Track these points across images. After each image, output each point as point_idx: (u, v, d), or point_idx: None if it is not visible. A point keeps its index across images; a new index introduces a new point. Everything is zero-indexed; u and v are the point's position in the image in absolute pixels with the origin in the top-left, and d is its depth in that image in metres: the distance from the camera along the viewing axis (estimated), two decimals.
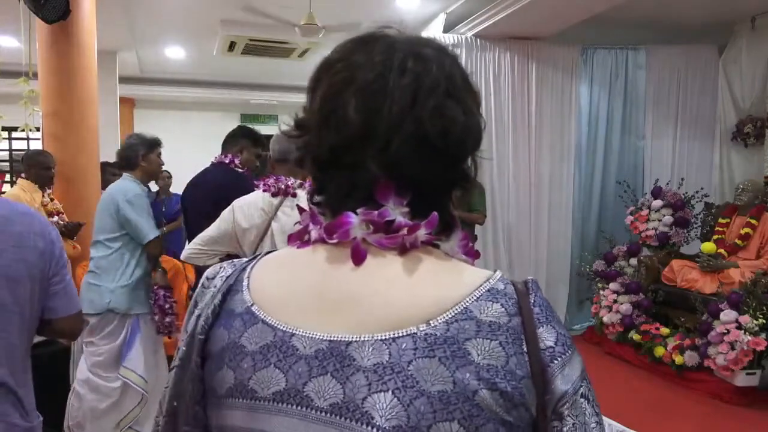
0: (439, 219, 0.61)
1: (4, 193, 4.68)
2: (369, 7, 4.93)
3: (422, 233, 0.60)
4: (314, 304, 0.59)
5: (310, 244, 0.63)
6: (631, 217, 5.02)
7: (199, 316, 0.65)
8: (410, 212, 0.60)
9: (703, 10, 5.05)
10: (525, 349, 0.56)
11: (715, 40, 5.58)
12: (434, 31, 5.13)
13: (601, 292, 4.88)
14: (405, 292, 0.57)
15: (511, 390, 0.54)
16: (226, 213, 2.27)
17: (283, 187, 2.23)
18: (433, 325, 0.55)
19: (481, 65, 5.21)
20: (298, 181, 2.26)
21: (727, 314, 3.75)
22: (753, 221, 4.29)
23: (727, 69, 5.45)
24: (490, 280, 0.59)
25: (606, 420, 3.76)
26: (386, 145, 0.59)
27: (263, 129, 10.27)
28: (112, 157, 5.12)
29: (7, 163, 7.88)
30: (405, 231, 0.59)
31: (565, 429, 0.57)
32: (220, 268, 0.69)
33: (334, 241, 0.60)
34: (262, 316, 0.61)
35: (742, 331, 3.64)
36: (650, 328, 4.40)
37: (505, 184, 5.29)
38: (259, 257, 0.68)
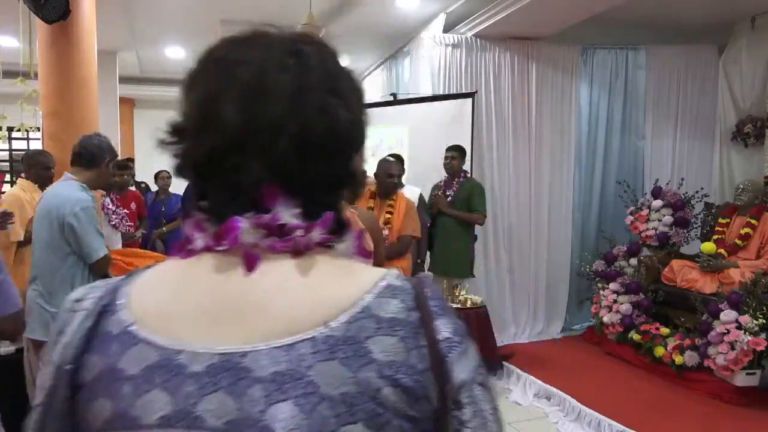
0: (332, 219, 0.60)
1: (4, 193, 4.68)
2: (369, 7, 4.94)
3: (317, 234, 0.58)
4: (204, 317, 0.55)
5: (194, 254, 0.59)
6: (631, 217, 5.02)
7: (67, 344, 0.58)
8: (301, 214, 0.58)
9: (703, 10, 5.05)
10: (424, 342, 0.55)
11: (715, 40, 5.58)
12: (434, 31, 5.13)
13: (601, 292, 4.88)
14: (301, 296, 0.56)
15: (413, 384, 0.53)
16: None
17: None
18: (332, 326, 0.54)
19: (481, 65, 5.22)
20: None
21: (727, 314, 3.75)
22: (753, 221, 4.29)
23: (727, 69, 5.45)
24: (387, 277, 0.59)
25: (606, 420, 3.76)
26: (270, 146, 0.57)
27: None
28: None
29: (7, 163, 7.88)
30: (299, 233, 0.57)
31: (464, 417, 0.56)
32: (90, 288, 0.63)
33: (223, 248, 0.57)
34: (143, 335, 0.55)
35: (742, 331, 3.64)
36: (650, 328, 4.40)
37: (505, 184, 5.29)
38: (135, 273, 0.63)
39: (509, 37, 5.22)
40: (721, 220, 4.57)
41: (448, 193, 4.47)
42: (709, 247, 4.38)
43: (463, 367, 0.57)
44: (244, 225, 0.57)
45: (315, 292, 0.56)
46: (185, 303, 0.57)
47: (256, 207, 0.57)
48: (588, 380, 4.11)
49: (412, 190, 4.06)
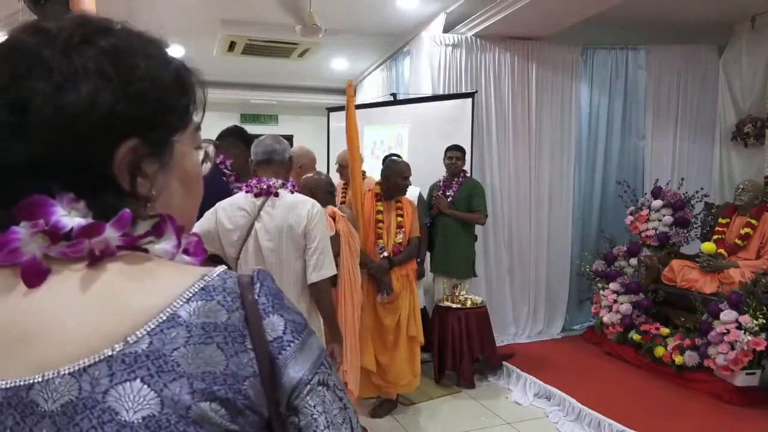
0: (134, 216, 0.52)
1: None
2: (369, 6, 4.93)
3: (113, 235, 0.51)
4: None
5: None
6: (631, 217, 5.02)
7: None
8: (93, 214, 0.51)
9: (703, 10, 5.05)
10: (250, 346, 0.50)
11: (715, 40, 5.58)
12: (434, 31, 5.13)
13: (601, 292, 4.88)
14: (98, 309, 0.48)
15: (232, 396, 0.48)
16: (208, 213, 2.30)
17: (265, 187, 2.26)
18: (131, 341, 0.47)
19: (481, 65, 5.21)
20: (280, 181, 2.29)
21: (727, 314, 3.75)
22: (753, 221, 4.29)
23: (727, 69, 5.45)
24: (206, 278, 0.52)
25: (606, 420, 3.76)
26: (21, 140, 0.50)
27: (263, 129, 10.32)
28: None
29: None
30: (99, 236, 0.50)
31: (303, 423, 0.51)
32: None
33: None
34: None
35: (742, 331, 3.64)
36: (650, 328, 4.40)
37: (505, 184, 5.28)
38: None
39: (509, 37, 5.22)
40: (721, 220, 4.57)
41: (448, 194, 4.47)
42: (709, 247, 4.37)
43: (299, 366, 0.52)
44: (22, 234, 0.49)
45: (114, 305, 0.49)
46: None
47: (27, 212, 0.49)
48: (588, 380, 4.11)
49: (411, 190, 4.07)
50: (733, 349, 3.65)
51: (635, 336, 4.48)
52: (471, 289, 4.59)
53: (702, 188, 5.05)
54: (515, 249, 5.36)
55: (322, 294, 2.31)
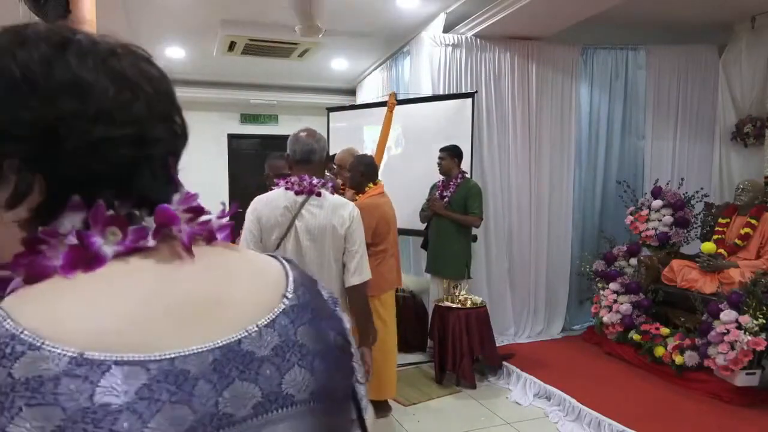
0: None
1: None
2: (369, 7, 4.93)
3: (216, 219, 0.60)
4: (176, 317, 0.51)
5: (103, 262, 0.51)
6: (631, 217, 5.02)
7: None
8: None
9: (703, 10, 5.05)
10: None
11: (715, 40, 5.58)
12: (434, 31, 5.13)
13: (601, 292, 4.88)
14: (249, 278, 0.59)
15: (343, 341, 0.63)
16: (248, 212, 2.28)
17: (307, 185, 2.23)
18: (289, 297, 0.59)
19: (481, 65, 5.21)
20: (322, 181, 2.27)
21: (727, 314, 3.75)
22: (753, 221, 4.29)
23: (727, 69, 5.45)
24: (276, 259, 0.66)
25: (606, 420, 3.76)
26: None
27: (263, 129, 10.28)
28: None
29: None
30: (209, 217, 0.59)
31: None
32: None
33: (152, 244, 0.53)
34: (114, 358, 0.46)
35: (742, 331, 3.64)
36: (650, 328, 4.40)
37: (505, 184, 5.28)
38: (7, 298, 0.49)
39: (509, 37, 5.22)
40: (721, 220, 4.58)
41: (444, 194, 4.47)
42: (709, 247, 4.38)
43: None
44: (176, 212, 0.55)
45: (257, 271, 0.61)
46: (142, 309, 0.50)
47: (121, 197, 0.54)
48: (588, 380, 4.11)
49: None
50: (733, 349, 3.65)
51: (635, 336, 4.48)
52: (471, 289, 4.59)
53: (702, 188, 5.05)
54: (515, 249, 5.35)
55: (361, 297, 2.30)
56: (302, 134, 2.35)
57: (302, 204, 2.22)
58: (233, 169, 9.01)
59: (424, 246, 4.72)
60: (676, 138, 5.68)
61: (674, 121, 5.67)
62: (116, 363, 0.46)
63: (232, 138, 9.07)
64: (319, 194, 2.24)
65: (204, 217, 0.58)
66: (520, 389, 4.14)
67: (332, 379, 0.58)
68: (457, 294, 4.40)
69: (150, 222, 0.54)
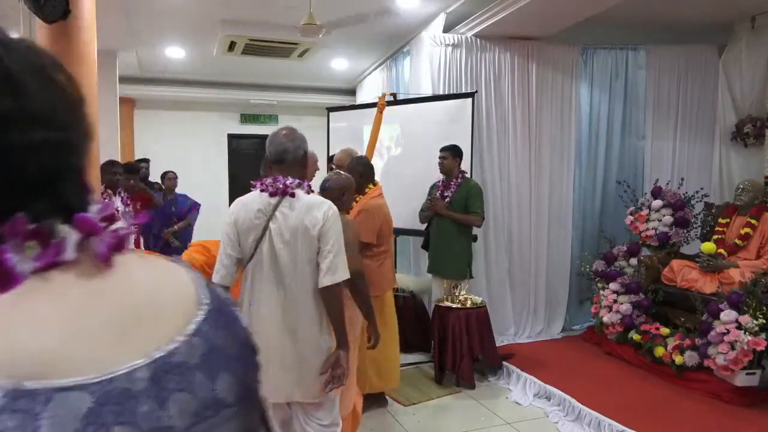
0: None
1: None
2: (369, 7, 4.94)
3: (122, 227, 0.57)
4: (109, 332, 0.49)
5: (19, 281, 0.48)
6: (631, 217, 5.02)
7: None
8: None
9: (703, 10, 5.05)
10: None
11: (715, 40, 5.58)
12: (434, 31, 5.13)
13: (601, 292, 4.88)
14: (165, 280, 0.58)
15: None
16: (227, 215, 2.27)
17: (281, 186, 2.20)
18: (204, 301, 0.58)
19: (481, 65, 5.21)
20: (297, 181, 2.23)
21: (727, 314, 3.75)
22: (753, 221, 4.29)
23: (727, 69, 5.45)
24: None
25: (606, 420, 3.75)
26: None
27: (263, 129, 10.28)
28: (112, 157, 5.15)
29: None
30: (119, 225, 0.56)
31: None
32: None
33: (73, 256, 0.51)
34: (54, 385, 0.44)
35: (742, 331, 3.64)
36: (650, 328, 4.40)
37: (505, 184, 5.28)
38: None
39: (509, 37, 5.22)
40: (721, 220, 4.57)
41: (445, 194, 4.47)
42: (709, 247, 4.38)
43: None
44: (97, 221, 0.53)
45: (174, 280, 0.59)
46: (81, 327, 0.48)
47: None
48: (588, 380, 4.11)
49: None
50: (733, 349, 3.65)
51: (635, 336, 4.48)
52: (471, 289, 4.59)
53: (702, 188, 5.05)
54: (515, 249, 5.35)
55: (334, 299, 2.21)
56: (279, 133, 2.30)
57: (276, 206, 2.18)
58: (233, 169, 9.02)
59: (425, 246, 4.72)
60: (676, 138, 5.68)
61: (674, 121, 5.67)
62: (57, 390, 0.43)
63: (232, 138, 9.08)
64: (293, 195, 2.19)
65: (115, 225, 0.56)
66: (520, 389, 4.14)
67: (251, 379, 0.59)
68: (457, 294, 4.40)
69: (69, 232, 0.51)
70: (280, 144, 2.26)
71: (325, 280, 2.16)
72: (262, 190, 2.22)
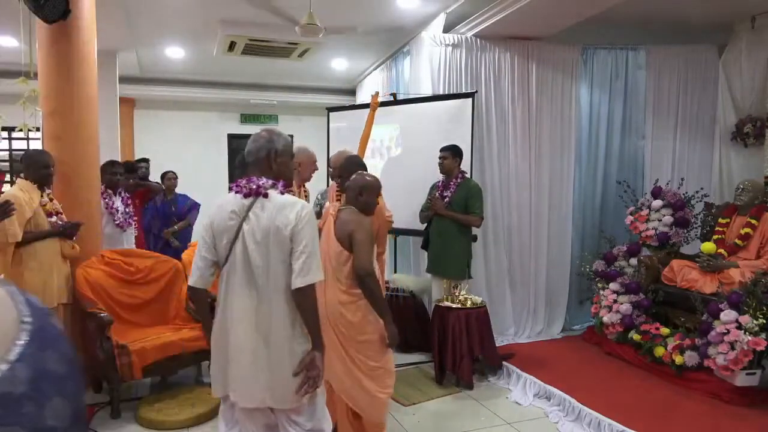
0: None
1: (2, 193, 4.68)
2: (369, 7, 4.94)
3: None
4: None
5: None
6: (631, 217, 5.02)
7: None
8: None
9: (703, 10, 5.05)
10: None
11: (715, 40, 5.58)
12: (434, 31, 5.13)
13: (601, 292, 4.88)
14: None
15: None
16: (204, 218, 2.26)
17: (254, 187, 2.17)
18: (27, 320, 0.53)
19: (481, 65, 5.21)
20: (271, 182, 2.20)
21: (727, 314, 3.76)
22: (753, 221, 4.29)
23: (727, 69, 5.45)
24: None
25: (606, 420, 3.75)
26: None
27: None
28: (112, 157, 5.16)
29: (7, 163, 7.88)
30: None
31: None
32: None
33: None
34: None
35: (742, 331, 3.64)
36: (650, 328, 4.40)
37: (505, 184, 5.28)
38: None
39: (509, 37, 5.22)
40: (721, 220, 4.58)
41: (445, 194, 4.47)
42: (709, 247, 4.38)
43: None
44: None
45: None
46: None
47: None
48: (588, 380, 4.11)
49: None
50: (733, 349, 3.65)
51: (635, 336, 4.48)
52: (471, 289, 4.59)
53: (702, 188, 5.05)
54: (515, 249, 5.35)
55: (307, 300, 2.14)
56: (258, 134, 2.29)
57: (249, 207, 2.16)
58: (233, 169, 9.02)
59: (425, 246, 4.72)
60: (676, 138, 5.68)
61: (674, 121, 5.67)
62: None
63: (232, 138, 9.08)
64: (266, 195, 2.17)
65: None
66: (520, 389, 4.13)
67: (81, 399, 0.55)
68: (457, 294, 4.40)
69: None
70: (250, 144, 2.26)
71: (297, 282, 2.10)
72: (236, 192, 2.21)
